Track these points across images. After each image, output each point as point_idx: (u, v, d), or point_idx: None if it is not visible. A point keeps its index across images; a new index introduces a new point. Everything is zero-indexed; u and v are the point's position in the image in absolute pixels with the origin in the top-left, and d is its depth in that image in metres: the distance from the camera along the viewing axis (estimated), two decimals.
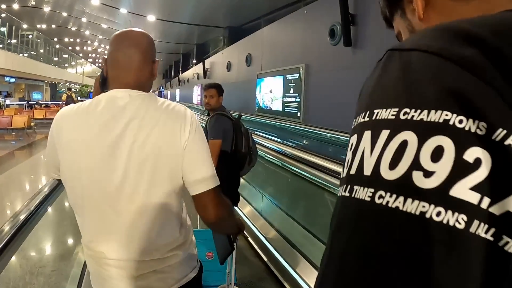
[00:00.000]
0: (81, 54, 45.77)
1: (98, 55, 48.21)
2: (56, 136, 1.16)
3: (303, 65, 9.20)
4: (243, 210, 5.42)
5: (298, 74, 9.31)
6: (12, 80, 28.37)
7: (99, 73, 1.33)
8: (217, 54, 17.31)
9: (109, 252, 1.13)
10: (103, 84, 1.26)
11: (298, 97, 9.31)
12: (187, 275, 1.25)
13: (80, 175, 1.12)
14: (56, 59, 38.88)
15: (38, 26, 31.69)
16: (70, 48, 41.10)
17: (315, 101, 8.90)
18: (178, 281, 1.21)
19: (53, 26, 30.86)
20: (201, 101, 21.06)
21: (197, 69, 21.57)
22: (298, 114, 9.17)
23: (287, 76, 9.84)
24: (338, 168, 3.28)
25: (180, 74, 30.69)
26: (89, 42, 37.82)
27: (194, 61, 25.77)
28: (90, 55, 47.26)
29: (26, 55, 31.31)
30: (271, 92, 10.61)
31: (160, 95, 50.99)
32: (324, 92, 8.56)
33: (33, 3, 23.51)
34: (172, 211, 1.18)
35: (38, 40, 35.00)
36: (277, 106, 10.32)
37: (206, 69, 18.32)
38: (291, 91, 9.57)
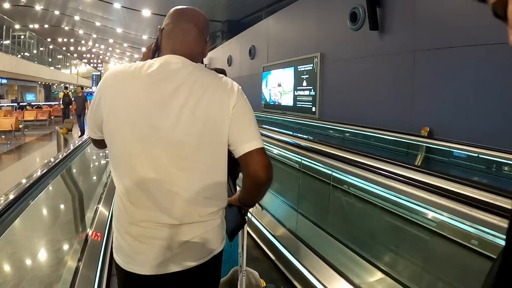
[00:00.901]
0: (75, 55, 44.41)
1: (93, 55, 46.84)
2: (102, 91, 1.14)
3: (318, 54, 8.08)
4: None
5: (312, 65, 8.20)
6: (4, 81, 27.04)
7: (153, 42, 1.29)
8: (216, 48, 16.13)
9: (152, 212, 1.10)
10: (155, 53, 1.24)
11: (312, 90, 8.21)
12: (218, 246, 1.21)
13: (123, 127, 1.09)
14: (50, 59, 37.50)
15: (31, 26, 30.57)
16: (64, 48, 39.82)
17: (333, 94, 7.64)
18: (211, 252, 1.18)
19: (46, 26, 29.80)
20: None
21: None
22: (313, 109, 8.08)
23: (298, 67, 8.75)
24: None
25: None
26: (83, 42, 36.61)
27: None
28: (84, 55, 45.84)
29: (19, 56, 30.05)
30: (279, 86, 9.50)
31: None
32: (344, 84, 7.33)
33: (24, 1, 22.24)
34: (218, 171, 1.15)
35: (32, 41, 33.71)
36: (287, 101, 9.26)
37: (205, 65, 17.15)
38: (304, 83, 8.47)
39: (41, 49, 35.43)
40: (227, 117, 1.10)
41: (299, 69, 8.39)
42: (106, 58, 48.14)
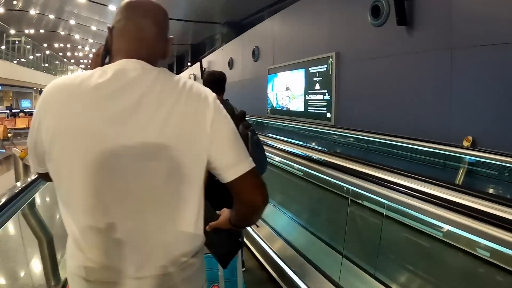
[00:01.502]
0: (72, 60, 43.50)
1: (90, 61, 45.72)
2: (42, 113, 0.86)
3: (333, 54, 7.08)
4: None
5: (326, 66, 7.29)
6: None
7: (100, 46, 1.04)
8: (216, 51, 15.22)
9: (111, 262, 0.85)
10: (105, 58, 0.97)
11: (327, 93, 7.28)
12: None
13: (71, 157, 0.83)
14: (46, 65, 36.61)
15: (26, 31, 29.82)
16: (61, 54, 38.97)
17: (351, 98, 6.66)
18: None
19: (42, 31, 29.10)
20: None
21: (194, 69, 19.47)
22: (328, 115, 7.15)
23: (309, 69, 7.84)
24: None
25: None
26: (79, 47, 35.78)
27: (189, 64, 23.61)
28: (81, 61, 44.85)
29: (15, 62, 29.27)
30: (287, 90, 8.57)
31: None
32: (364, 86, 6.35)
33: (20, 5, 21.32)
34: (194, 204, 0.91)
35: (28, 47, 32.88)
36: (296, 105, 8.32)
37: (204, 69, 16.22)
38: (317, 86, 7.55)
39: (37, 54, 34.57)
40: (204, 135, 0.87)
41: (310, 71, 7.47)
42: None
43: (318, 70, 7.23)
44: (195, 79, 18.94)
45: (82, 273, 0.86)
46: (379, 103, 6.03)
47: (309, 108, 7.56)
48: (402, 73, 5.67)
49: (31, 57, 34.03)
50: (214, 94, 0.91)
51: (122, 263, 0.85)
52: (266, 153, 2.46)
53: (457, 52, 4.70)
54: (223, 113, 0.91)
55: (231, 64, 12.56)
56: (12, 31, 28.59)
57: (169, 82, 0.88)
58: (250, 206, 0.95)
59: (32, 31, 28.50)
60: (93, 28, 23.36)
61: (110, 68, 0.86)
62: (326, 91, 7.02)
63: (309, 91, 7.54)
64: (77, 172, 0.82)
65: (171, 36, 1.00)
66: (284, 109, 8.52)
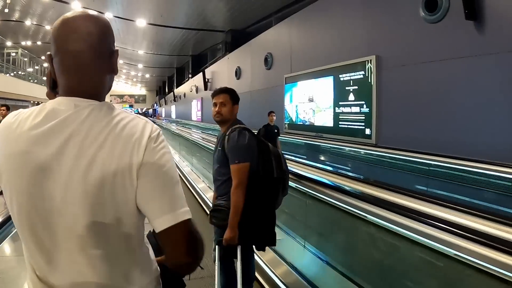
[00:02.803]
0: None
1: None
2: None
3: (373, 57, 5.38)
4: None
5: (363, 72, 5.81)
6: None
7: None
8: (220, 61, 13.78)
9: None
10: (54, 87, 0.88)
11: (365, 105, 5.76)
12: None
13: (12, 213, 0.80)
14: (44, 78, 35.12)
15: (23, 43, 28.52)
16: None
17: (398, 111, 5.12)
18: None
19: (39, 43, 27.80)
20: (201, 117, 17.54)
21: (195, 81, 18.03)
22: (368, 132, 5.68)
23: (340, 76, 6.34)
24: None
25: (175, 89, 27.16)
26: None
27: (190, 75, 22.19)
28: None
29: (12, 74, 27.94)
30: (311, 101, 7.11)
31: (154, 112, 47.50)
32: (416, 96, 4.86)
33: (16, 16, 19.93)
34: (130, 248, 0.80)
35: (25, 59, 31.45)
36: (323, 120, 6.73)
37: (207, 80, 14.79)
38: (351, 97, 6.09)
39: (36, 67, 33.17)
40: (129, 183, 0.75)
41: (341, 79, 6.03)
42: None
43: (352, 77, 5.79)
44: (197, 91, 17.49)
45: None
46: (436, 117, 4.59)
47: (340, 123, 6.09)
48: (468, 80, 4.27)
49: (29, 69, 32.66)
50: (154, 130, 0.79)
51: None
52: None
53: None
54: (157, 154, 0.77)
55: (238, 73, 11.11)
56: (9, 43, 27.31)
57: (99, 122, 0.76)
58: (173, 264, 0.84)
59: (29, 43, 27.22)
60: None
61: (45, 108, 0.78)
62: (363, 102, 5.57)
63: (340, 103, 6.08)
64: (19, 230, 0.79)
65: (116, 49, 0.86)
66: (306, 123, 7.06)
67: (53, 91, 0.86)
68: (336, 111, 6.16)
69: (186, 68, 25.56)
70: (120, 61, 30.75)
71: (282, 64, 8.19)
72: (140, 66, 31.03)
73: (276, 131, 6.08)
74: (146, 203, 0.76)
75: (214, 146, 2.39)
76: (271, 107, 8.63)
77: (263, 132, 5.79)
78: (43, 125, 0.75)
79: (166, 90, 35.37)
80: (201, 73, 15.90)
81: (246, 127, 2.11)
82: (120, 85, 51.02)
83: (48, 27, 20.96)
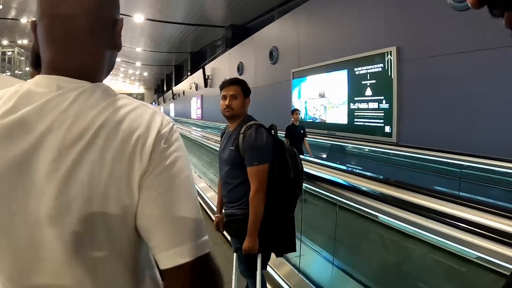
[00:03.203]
0: None
1: None
2: None
3: (393, 49, 4.78)
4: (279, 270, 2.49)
5: (381, 65, 5.15)
6: None
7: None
8: (221, 56, 13.23)
9: None
10: (36, 64, 0.73)
11: (385, 101, 5.15)
12: None
13: None
14: None
15: (19, 42, 27.90)
16: None
17: (421, 107, 4.57)
18: None
19: None
20: (201, 115, 17.00)
21: (195, 78, 17.48)
22: (387, 129, 5.18)
23: (356, 69, 5.61)
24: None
25: (174, 87, 26.59)
26: None
27: (189, 73, 21.64)
28: None
29: (8, 73, 27.38)
30: (322, 97, 6.60)
31: None
32: (443, 91, 4.28)
33: (13, 14, 19.33)
34: (123, 277, 0.57)
35: (22, 58, 30.85)
36: (336, 117, 6.12)
37: (207, 77, 14.24)
38: (368, 92, 5.59)
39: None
40: (127, 197, 0.52)
41: (357, 72, 5.52)
42: None
43: (370, 70, 5.28)
44: (196, 88, 16.94)
45: None
46: (465, 113, 4.10)
47: (356, 120, 5.59)
48: (502, 73, 3.77)
49: (27, 69, 32.12)
50: (166, 124, 0.57)
51: None
52: None
53: None
54: (168, 160, 0.54)
55: (240, 69, 10.57)
56: (5, 42, 26.74)
57: (88, 111, 0.53)
58: None
59: (25, 41, 26.64)
60: None
61: (19, 90, 0.55)
62: (383, 97, 5.07)
63: (356, 98, 5.58)
64: None
65: (121, 17, 0.64)
66: (317, 121, 6.54)
67: (38, 69, 0.70)
68: (351, 107, 5.65)
69: (185, 66, 24.98)
70: (117, 59, 30.10)
71: (288, 58, 7.66)
72: (138, 64, 30.44)
73: (302, 131, 5.40)
74: (149, 228, 0.54)
75: (214, 144, 2.10)
76: (277, 104, 8.12)
77: (288, 134, 5.19)
78: (12, 114, 0.53)
79: (165, 88, 34.78)
80: (200, 70, 15.34)
81: (261, 123, 1.87)
82: (118, 83, 50.47)
83: None
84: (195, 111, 17.71)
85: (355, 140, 5.51)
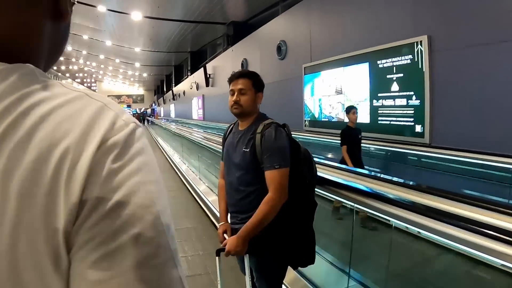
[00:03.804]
0: (68, 75, 40.68)
1: (85, 74, 43.01)
2: None
3: (424, 38, 4.13)
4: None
5: (410, 56, 4.61)
6: None
7: None
8: (223, 54, 12.60)
9: None
10: None
11: (415, 97, 4.47)
12: None
13: None
14: None
15: None
16: (55, 68, 36.31)
17: (460, 103, 3.92)
18: None
19: None
20: (203, 115, 16.37)
21: (196, 77, 16.87)
22: (419, 129, 4.58)
23: (379, 62, 4.93)
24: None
25: (174, 87, 25.97)
26: (73, 60, 33.25)
27: (189, 73, 21.02)
28: (77, 74, 42.06)
29: None
30: (339, 93, 5.99)
31: (153, 112, 46.14)
32: (488, 84, 3.60)
33: None
34: None
35: None
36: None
37: (208, 75, 13.62)
38: (394, 87, 4.95)
39: None
40: (51, 258, 0.30)
41: (380, 65, 4.90)
42: (99, 76, 44.48)
43: (396, 63, 4.66)
44: (197, 88, 16.32)
45: None
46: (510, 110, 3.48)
47: (380, 118, 4.97)
48: None
49: None
50: (125, 130, 0.35)
51: None
52: None
53: None
54: (120, 191, 0.32)
55: (245, 66, 9.95)
56: None
57: (13, 104, 0.32)
58: None
59: None
60: (85, 37, 20.80)
61: None
62: (412, 93, 4.45)
63: (380, 94, 4.96)
64: None
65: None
66: (333, 120, 5.92)
67: None
68: (374, 104, 5.03)
69: (185, 66, 24.35)
70: (116, 60, 29.60)
71: (299, 53, 7.03)
72: (137, 65, 29.86)
73: (360, 136, 4.39)
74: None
75: (218, 145, 1.76)
76: (287, 102, 7.50)
77: (344, 139, 4.25)
78: None
79: (165, 89, 34.14)
80: (201, 69, 14.71)
81: (278, 122, 1.67)
82: (118, 85, 49.85)
83: None
84: (197, 111, 17.09)
85: (379, 141, 4.89)
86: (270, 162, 1.53)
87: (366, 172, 2.47)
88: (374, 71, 5.01)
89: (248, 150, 1.59)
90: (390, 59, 4.76)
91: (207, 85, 13.62)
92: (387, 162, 4.89)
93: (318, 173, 1.81)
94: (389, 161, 4.84)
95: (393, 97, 4.73)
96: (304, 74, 6.55)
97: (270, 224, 1.52)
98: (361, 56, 5.21)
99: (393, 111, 4.75)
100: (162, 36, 17.29)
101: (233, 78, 1.69)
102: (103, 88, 49.96)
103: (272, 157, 1.54)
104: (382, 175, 2.13)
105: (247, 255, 1.60)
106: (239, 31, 12.40)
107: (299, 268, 1.77)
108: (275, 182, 1.51)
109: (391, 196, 1.66)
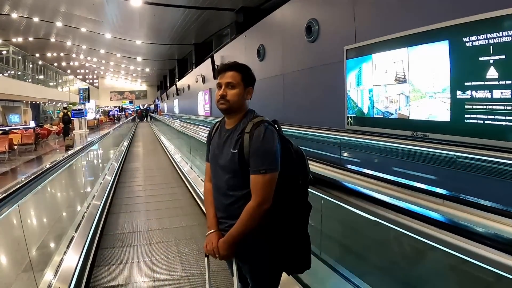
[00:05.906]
0: (69, 71, 39.26)
1: (87, 70, 41.53)
2: None
3: None
4: None
5: None
6: None
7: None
8: (235, 41, 11.18)
9: None
10: None
11: None
12: None
13: None
14: (41, 77, 32.87)
15: (14, 40, 26.45)
16: (56, 64, 35.06)
17: None
18: None
19: (31, 39, 25.76)
20: (210, 110, 15.01)
21: (201, 70, 15.50)
22: None
23: (465, 39, 3.35)
24: None
25: (178, 81, 24.61)
26: (74, 55, 32.04)
27: (193, 67, 19.65)
28: (78, 71, 40.57)
29: (6, 75, 26.04)
30: (401, 82, 4.60)
31: (156, 108, 44.71)
32: None
33: (6, 9, 17.50)
34: None
35: (20, 58, 29.29)
36: (427, 111, 3.93)
37: (216, 66, 12.26)
38: (491, 73, 3.47)
39: (31, 66, 30.80)
40: None
41: (468, 44, 3.53)
42: (101, 72, 43.12)
43: (494, 40, 3.30)
44: (203, 81, 14.96)
45: None
46: None
47: (467, 116, 3.62)
48: None
49: (22, 67, 30.50)
50: None
51: None
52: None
53: None
54: None
55: (261, 53, 8.56)
56: None
57: None
58: None
59: (20, 39, 24.88)
60: (83, 30, 19.50)
61: None
62: None
63: (467, 83, 3.60)
64: None
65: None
66: (392, 117, 4.58)
67: None
68: (458, 96, 3.68)
69: (189, 59, 22.93)
70: (117, 55, 28.19)
71: (338, 32, 5.65)
72: (139, 59, 28.51)
73: None
74: None
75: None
76: (319, 95, 6.15)
77: None
78: None
79: (168, 84, 32.75)
80: (207, 61, 13.35)
81: (268, 120, 1.52)
82: (120, 81, 48.44)
83: (36, 19, 18.49)
84: (203, 106, 15.72)
85: (467, 147, 3.55)
86: (255, 166, 1.43)
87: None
88: (458, 51, 3.65)
89: (236, 151, 1.49)
90: (483, 35, 3.39)
91: (215, 77, 12.27)
92: (480, 180, 3.55)
93: None
94: (483, 178, 3.50)
95: (490, 87, 3.37)
96: (347, 59, 5.18)
97: (262, 230, 1.45)
98: (437, 32, 3.84)
99: (490, 106, 3.40)
100: (164, 26, 15.85)
101: (221, 71, 1.58)
102: (106, 84, 48.57)
103: (259, 161, 1.43)
104: None
105: (234, 259, 1.55)
106: (250, 18, 11.00)
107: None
108: (258, 188, 1.41)
109: None
